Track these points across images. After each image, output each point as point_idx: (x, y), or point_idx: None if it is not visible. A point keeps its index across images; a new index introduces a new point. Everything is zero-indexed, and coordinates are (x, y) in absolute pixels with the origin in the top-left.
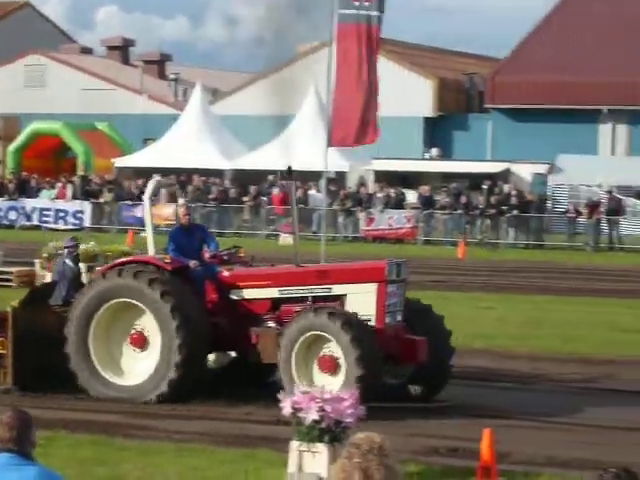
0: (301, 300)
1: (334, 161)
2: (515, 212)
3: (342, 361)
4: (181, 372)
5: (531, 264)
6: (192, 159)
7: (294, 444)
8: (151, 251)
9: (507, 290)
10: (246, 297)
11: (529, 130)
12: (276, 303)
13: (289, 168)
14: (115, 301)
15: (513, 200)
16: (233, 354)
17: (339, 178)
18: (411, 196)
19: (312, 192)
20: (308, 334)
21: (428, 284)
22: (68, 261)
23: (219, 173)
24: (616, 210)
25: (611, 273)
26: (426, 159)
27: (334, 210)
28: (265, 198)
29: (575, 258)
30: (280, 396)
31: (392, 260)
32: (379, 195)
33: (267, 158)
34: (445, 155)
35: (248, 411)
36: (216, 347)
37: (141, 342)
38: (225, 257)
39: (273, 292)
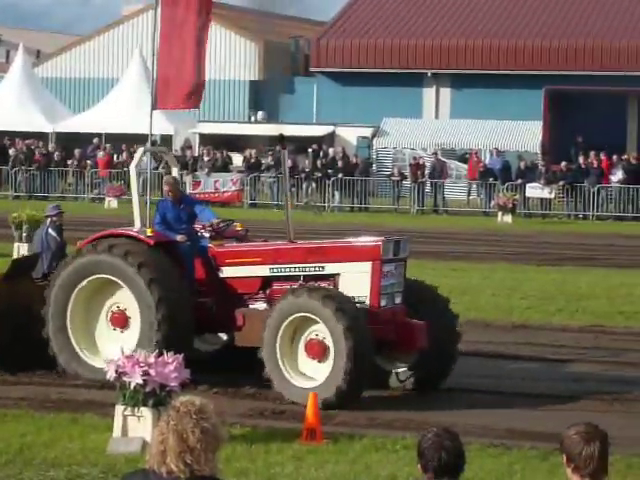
0: (292, 279)
1: (159, 125)
2: (340, 175)
3: (331, 348)
4: (164, 349)
5: (356, 227)
6: (15, 122)
7: (119, 408)
8: (137, 224)
9: None
10: (235, 275)
11: (354, 94)
12: (267, 282)
13: (281, 135)
14: (91, 278)
15: (338, 163)
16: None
17: (165, 142)
18: (237, 159)
19: None
20: (296, 315)
21: None
22: (51, 231)
23: (43, 136)
24: (440, 173)
25: (435, 236)
26: (252, 122)
27: (160, 173)
28: (90, 162)
29: (400, 221)
30: (105, 360)
31: (390, 237)
32: (205, 158)
33: (92, 121)
34: (271, 118)
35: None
36: (204, 329)
37: (122, 322)
38: (222, 226)
39: (264, 270)
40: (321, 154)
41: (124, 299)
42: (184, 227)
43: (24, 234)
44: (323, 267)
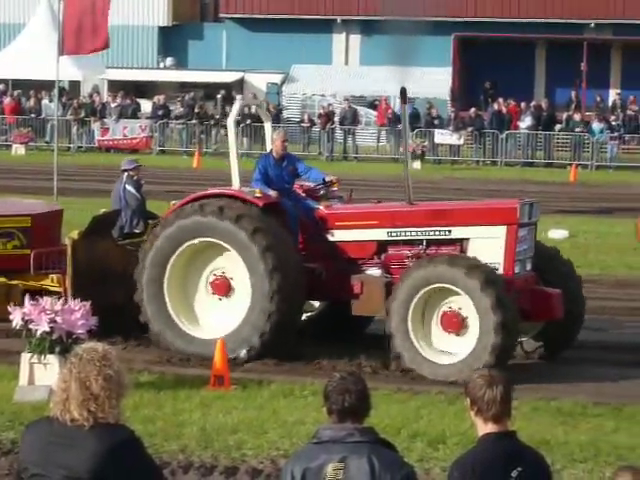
0: (412, 243)
1: (67, 71)
2: (249, 122)
3: (474, 321)
4: (275, 323)
5: None
6: None
7: (25, 356)
8: (236, 183)
9: None
10: (347, 239)
11: (263, 40)
12: (382, 246)
13: (403, 89)
14: (195, 241)
15: (248, 110)
16: (317, 304)
17: (73, 88)
18: (146, 106)
19: (45, 102)
20: (434, 286)
21: (164, 194)
22: (129, 187)
23: None
24: (351, 120)
25: (346, 182)
26: (161, 68)
27: (68, 120)
28: None
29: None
30: (10, 308)
31: (524, 199)
32: (113, 105)
33: None
34: (180, 65)
35: None
36: (312, 296)
37: (224, 289)
38: (322, 191)
39: (380, 234)
40: (230, 100)
41: (228, 265)
42: (286, 187)
43: None
44: (450, 231)
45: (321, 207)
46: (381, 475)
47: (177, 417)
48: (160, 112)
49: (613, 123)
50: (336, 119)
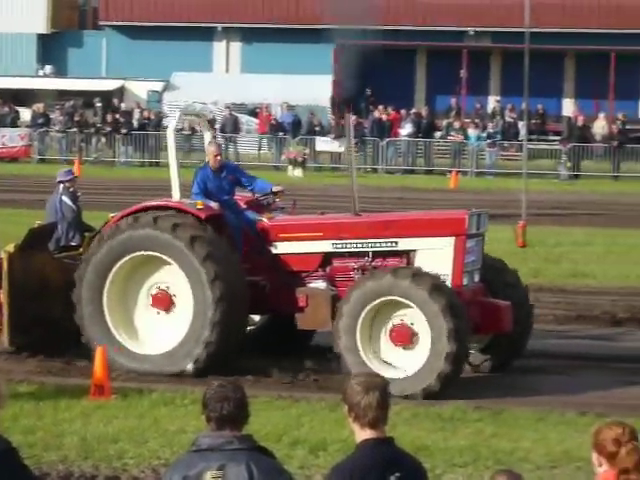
0: (358, 255)
1: None
2: (130, 130)
3: (423, 333)
4: (219, 333)
5: (147, 181)
6: None
7: None
8: (176, 195)
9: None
10: (291, 251)
11: (144, 47)
12: (327, 259)
13: (347, 100)
14: (132, 256)
15: (128, 117)
16: (257, 318)
17: None
18: (25, 114)
19: None
20: (381, 299)
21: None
22: (66, 199)
23: None
24: (232, 127)
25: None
26: (40, 76)
27: None
28: None
29: (192, 175)
30: None
31: (473, 210)
32: None
33: None
34: (59, 73)
35: None
36: (255, 310)
37: (165, 303)
38: (265, 202)
39: (325, 245)
40: (110, 108)
41: (167, 278)
42: (226, 198)
43: None
44: (396, 242)
45: (264, 219)
46: None
47: (57, 427)
48: (40, 120)
49: (491, 130)
50: (217, 127)
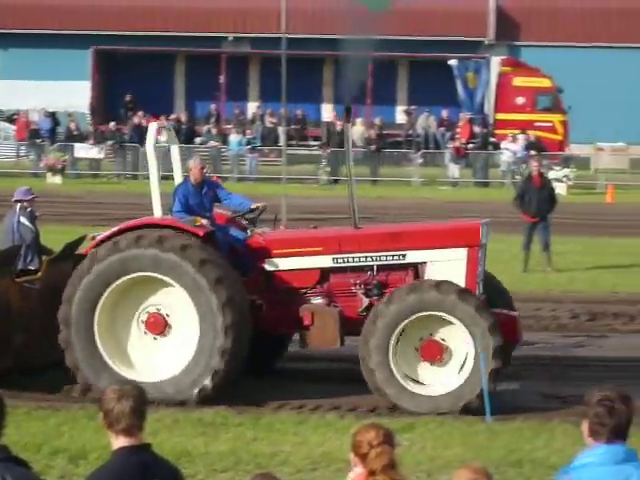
0: (359, 270)
1: None
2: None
3: (461, 348)
4: (228, 361)
5: None
6: None
7: None
8: (157, 212)
9: None
10: (287, 267)
11: None
12: (325, 274)
13: (348, 107)
14: (130, 277)
15: None
16: None
17: None
18: None
19: None
20: (419, 315)
21: None
22: (24, 220)
23: None
24: None
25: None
26: None
27: None
28: None
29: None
30: None
31: (483, 220)
32: None
33: None
34: None
35: None
36: (256, 330)
37: (159, 327)
38: (247, 218)
39: (324, 260)
40: None
41: (162, 301)
42: (207, 215)
43: None
44: (404, 255)
45: (250, 235)
46: None
47: None
48: None
49: (250, 136)
50: None
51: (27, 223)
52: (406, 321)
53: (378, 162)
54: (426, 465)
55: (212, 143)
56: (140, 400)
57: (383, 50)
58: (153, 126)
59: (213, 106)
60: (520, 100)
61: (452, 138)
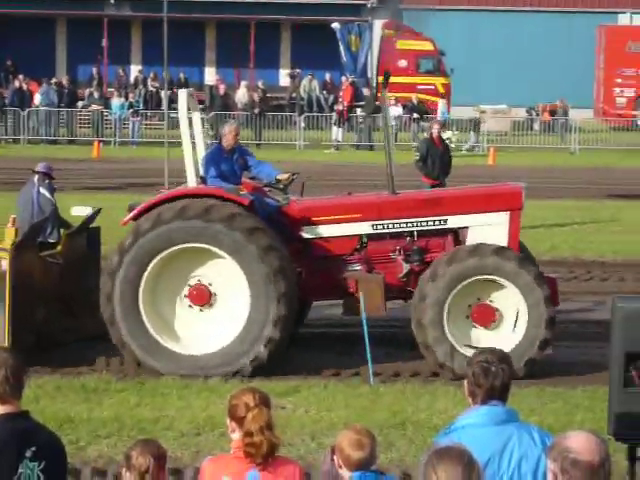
0: (398, 236)
1: None
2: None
3: (511, 315)
4: (282, 329)
5: None
6: None
7: None
8: (192, 181)
9: None
10: (325, 235)
11: None
12: (363, 241)
13: (387, 74)
14: (176, 248)
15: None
16: None
17: None
18: None
19: None
20: (475, 278)
21: None
22: (44, 191)
23: None
24: None
25: None
26: None
27: None
28: None
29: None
30: None
31: (523, 184)
32: None
33: None
34: None
35: None
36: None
37: (204, 298)
38: (278, 187)
39: (363, 227)
40: None
41: (207, 272)
42: (239, 182)
43: None
44: (445, 220)
45: (286, 202)
46: None
47: None
48: None
49: (133, 100)
50: None
51: (47, 194)
52: (465, 282)
53: (262, 125)
54: (310, 428)
55: (94, 107)
56: (15, 368)
57: (266, 13)
58: (183, 93)
59: (95, 69)
60: (403, 63)
61: (335, 101)
